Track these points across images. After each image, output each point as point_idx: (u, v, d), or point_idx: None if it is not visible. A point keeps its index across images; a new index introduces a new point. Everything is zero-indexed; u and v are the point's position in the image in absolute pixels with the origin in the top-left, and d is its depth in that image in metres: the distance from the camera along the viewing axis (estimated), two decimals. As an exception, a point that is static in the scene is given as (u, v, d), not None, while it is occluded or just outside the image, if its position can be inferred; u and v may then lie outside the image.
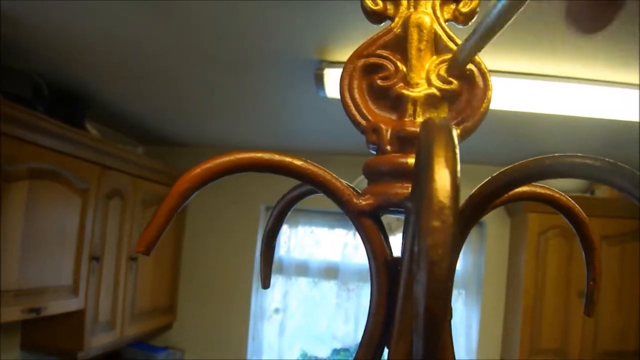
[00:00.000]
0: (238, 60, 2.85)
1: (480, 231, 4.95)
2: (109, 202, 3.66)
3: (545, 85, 2.70)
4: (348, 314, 4.94)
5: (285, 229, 5.08)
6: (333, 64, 2.69)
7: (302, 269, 5.06)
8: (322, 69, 2.71)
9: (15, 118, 2.63)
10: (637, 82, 2.63)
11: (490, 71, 2.06)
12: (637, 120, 2.87)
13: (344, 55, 2.63)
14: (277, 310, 5.14)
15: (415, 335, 0.30)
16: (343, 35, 2.44)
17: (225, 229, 5.01)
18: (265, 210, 5.04)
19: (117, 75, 3.20)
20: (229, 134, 4.57)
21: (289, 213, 0.67)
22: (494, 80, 2.14)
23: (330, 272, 5.01)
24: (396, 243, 0.52)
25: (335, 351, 4.99)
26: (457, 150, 0.32)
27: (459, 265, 4.87)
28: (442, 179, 0.30)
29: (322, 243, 5.13)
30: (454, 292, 4.87)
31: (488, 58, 2.57)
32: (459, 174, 0.31)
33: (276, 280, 5.05)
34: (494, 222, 4.81)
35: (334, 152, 4.62)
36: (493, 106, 2.12)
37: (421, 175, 0.31)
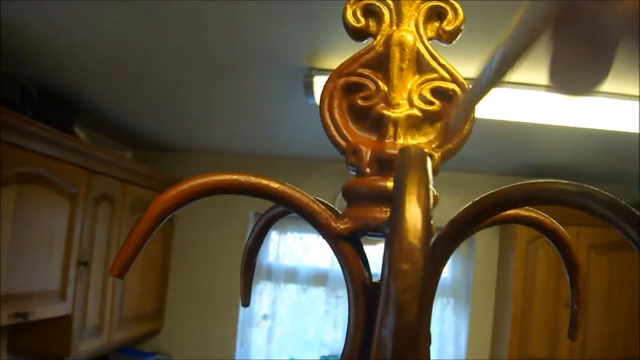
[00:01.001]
0: (227, 67, 2.84)
1: (469, 240, 4.94)
2: (98, 206, 3.64)
3: (542, 96, 2.70)
4: (337, 320, 4.93)
5: (274, 235, 5.08)
6: (322, 71, 2.68)
7: (291, 276, 5.05)
8: (312, 77, 2.70)
9: (3, 122, 2.61)
10: (636, 94, 2.63)
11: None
12: (635, 131, 2.86)
13: (334, 63, 2.63)
14: (265, 317, 5.12)
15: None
16: (333, 43, 2.43)
17: (214, 235, 5.00)
18: (254, 216, 5.02)
19: (105, 79, 3.19)
20: (217, 140, 4.57)
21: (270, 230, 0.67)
22: (493, 90, 2.11)
23: (319, 278, 5.00)
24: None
25: (324, 358, 4.97)
26: (431, 185, 0.32)
27: (448, 274, 4.88)
28: (412, 218, 0.29)
29: (311, 249, 5.12)
30: (443, 301, 4.88)
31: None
32: (431, 212, 0.30)
33: (265, 287, 5.04)
34: (483, 230, 4.78)
35: (323, 159, 4.62)
36: (490, 116, 2.10)
37: (393, 214, 0.31)
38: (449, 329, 4.91)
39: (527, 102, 2.76)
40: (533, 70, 2.53)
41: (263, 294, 5.06)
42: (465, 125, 0.54)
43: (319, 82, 2.71)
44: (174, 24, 2.39)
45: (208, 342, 4.94)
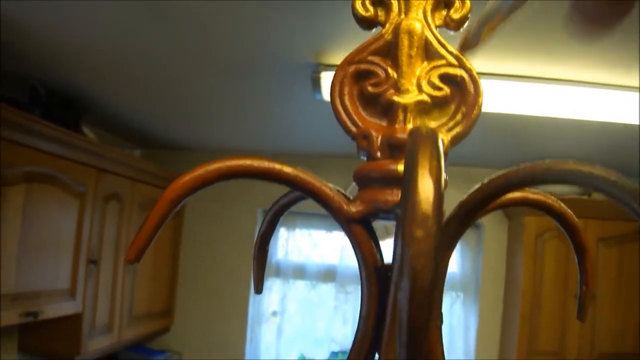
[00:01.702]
0: (235, 64, 2.85)
1: (478, 234, 4.95)
2: (107, 205, 3.66)
3: (544, 88, 2.70)
4: (346, 316, 4.94)
5: (283, 232, 5.09)
6: (330, 67, 2.69)
7: (300, 272, 5.06)
8: (319, 73, 2.71)
9: (12, 122, 2.62)
10: (637, 85, 2.63)
11: (490, 74, 2.06)
12: (637, 123, 2.87)
13: (341, 58, 2.63)
14: (274, 313, 5.13)
15: (399, 344, 0.30)
16: (340, 39, 2.44)
17: (223, 232, 5.01)
18: (262, 213, 5.03)
19: (113, 78, 3.20)
20: (226, 138, 4.58)
21: (282, 218, 0.67)
22: (494, 83, 2.14)
23: (328, 274, 5.01)
24: (389, 248, 0.52)
25: (334, 354, 4.97)
26: (442, 161, 0.33)
27: (457, 268, 4.88)
28: (425, 189, 0.30)
29: (319, 246, 5.14)
30: (452, 295, 4.88)
31: (488, 60, 2.54)
32: (443, 184, 0.31)
33: (274, 283, 5.05)
34: (492, 225, 4.81)
35: (331, 155, 4.62)
36: (493, 109, 2.12)
37: (406, 186, 0.32)
38: (458, 323, 4.92)
39: (534, 95, 2.77)
40: (541, 64, 2.54)
41: (272, 290, 5.07)
42: (474, 110, 0.55)
43: (327, 78, 2.72)
44: (180, 24, 2.40)
45: (218, 340, 4.96)
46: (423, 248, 0.29)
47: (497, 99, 2.79)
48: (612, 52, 2.36)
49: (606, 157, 3.95)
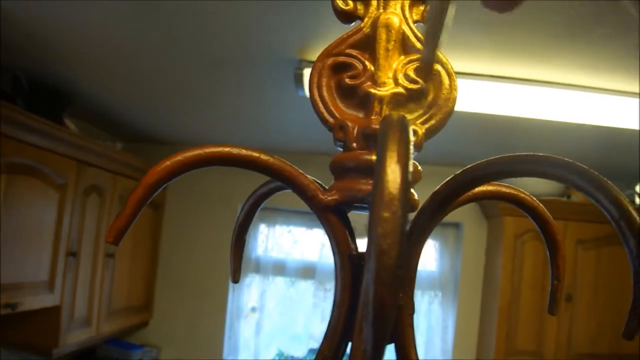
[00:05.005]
0: (218, 59, 2.85)
1: (457, 233, 4.98)
2: (87, 198, 3.64)
3: (541, 92, 2.71)
4: (325, 314, 4.94)
5: (263, 228, 5.08)
6: (313, 63, 2.69)
7: (280, 269, 5.06)
8: (302, 69, 2.71)
9: (-6, 112, 2.62)
10: (635, 91, 2.65)
11: (488, 76, 2.06)
12: (635, 128, 2.88)
13: (324, 55, 2.64)
14: (253, 309, 5.13)
15: (365, 323, 0.31)
16: (323, 35, 2.44)
17: (202, 227, 5.00)
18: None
19: (97, 71, 3.19)
20: (208, 133, 4.57)
21: (263, 214, 0.68)
22: (492, 85, 2.15)
23: (308, 271, 5.02)
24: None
25: (312, 351, 4.98)
26: (411, 146, 0.34)
27: (435, 267, 4.89)
28: (393, 172, 0.31)
29: (299, 243, 5.14)
30: (431, 294, 4.90)
31: (488, 63, 2.54)
32: (410, 168, 0.32)
33: (253, 279, 5.05)
34: (471, 224, 4.83)
35: (313, 152, 4.62)
36: (487, 111, 2.13)
37: (376, 169, 0.33)
38: (436, 322, 4.94)
39: (526, 97, 2.78)
40: (531, 66, 2.55)
41: (251, 286, 5.08)
42: (448, 103, 0.56)
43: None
44: (164, 17, 2.40)
45: (196, 335, 4.95)
46: (389, 228, 0.30)
47: (494, 101, 2.80)
48: (611, 57, 2.37)
49: (603, 161, 3.97)
